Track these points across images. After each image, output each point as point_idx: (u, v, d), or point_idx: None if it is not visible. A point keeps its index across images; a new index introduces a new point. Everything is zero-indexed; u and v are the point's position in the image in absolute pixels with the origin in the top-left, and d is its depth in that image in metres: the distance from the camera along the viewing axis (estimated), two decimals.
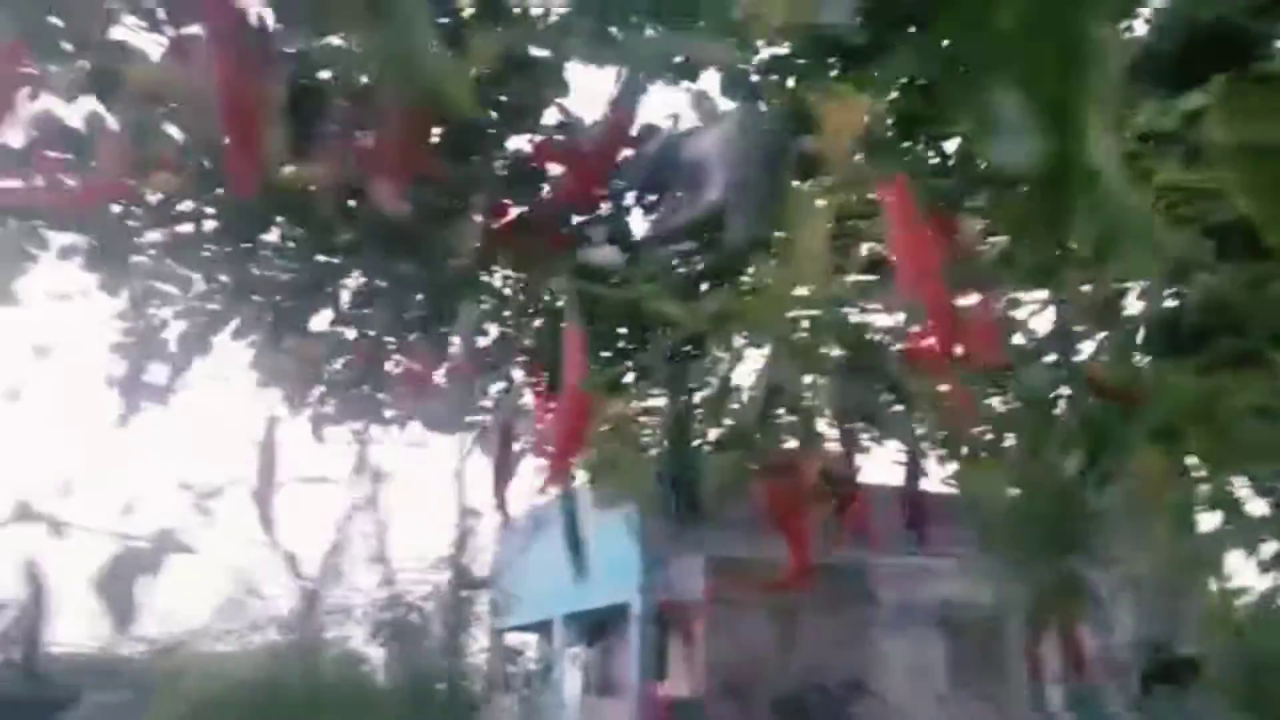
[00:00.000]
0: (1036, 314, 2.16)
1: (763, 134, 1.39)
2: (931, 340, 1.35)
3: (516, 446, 2.55)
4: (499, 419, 2.40)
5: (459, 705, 9.70)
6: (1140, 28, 1.55)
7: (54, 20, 2.04)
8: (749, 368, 2.03)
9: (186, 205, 2.65)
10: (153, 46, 2.11)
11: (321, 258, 3.06)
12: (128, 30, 2.15)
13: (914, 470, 2.13)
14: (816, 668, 11.11)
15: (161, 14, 2.03)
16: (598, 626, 13.66)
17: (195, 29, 1.80)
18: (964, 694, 11.88)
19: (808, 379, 1.99)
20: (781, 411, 2.05)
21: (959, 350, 1.36)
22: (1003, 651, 11.12)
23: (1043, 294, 1.99)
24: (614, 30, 1.73)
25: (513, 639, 15.01)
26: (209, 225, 2.73)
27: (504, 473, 2.50)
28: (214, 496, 2.89)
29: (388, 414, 4.07)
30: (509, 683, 13.64)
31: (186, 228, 2.74)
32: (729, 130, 1.41)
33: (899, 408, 1.99)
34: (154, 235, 2.78)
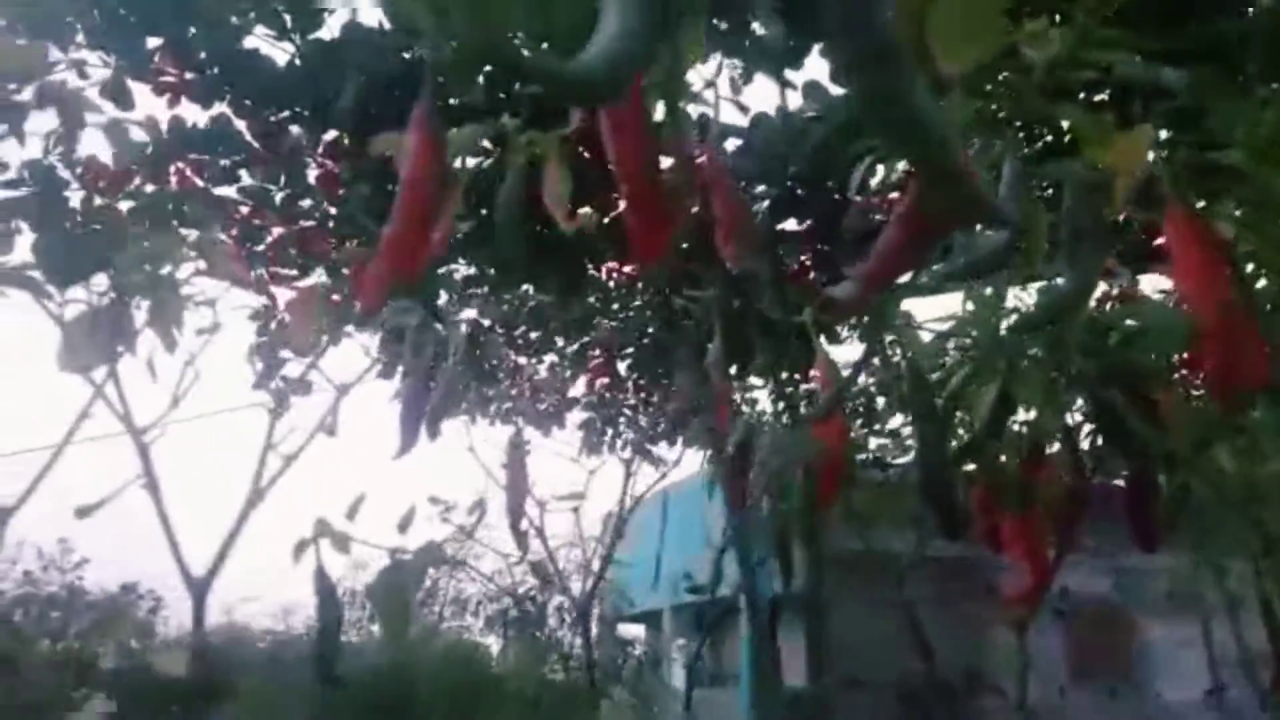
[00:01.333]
0: None
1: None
2: (1212, 362, 1.32)
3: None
4: (739, 442, 2.45)
5: (574, 695, 9.87)
6: None
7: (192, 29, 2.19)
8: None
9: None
10: (281, 54, 2.25)
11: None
12: (258, 39, 2.29)
13: (1145, 480, 2.03)
14: (936, 660, 10.90)
15: None
16: (706, 619, 13.67)
17: None
18: (1086, 686, 11.50)
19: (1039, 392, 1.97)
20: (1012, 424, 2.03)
21: (1234, 373, 1.33)
22: (1124, 643, 10.71)
23: None
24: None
25: (623, 630, 15.17)
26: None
27: (740, 494, 2.54)
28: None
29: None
30: (620, 673, 13.79)
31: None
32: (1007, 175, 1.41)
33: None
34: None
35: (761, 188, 2.68)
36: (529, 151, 1.54)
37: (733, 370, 2.99)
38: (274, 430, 10.30)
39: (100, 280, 1.82)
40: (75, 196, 2.72)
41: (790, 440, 2.25)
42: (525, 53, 0.86)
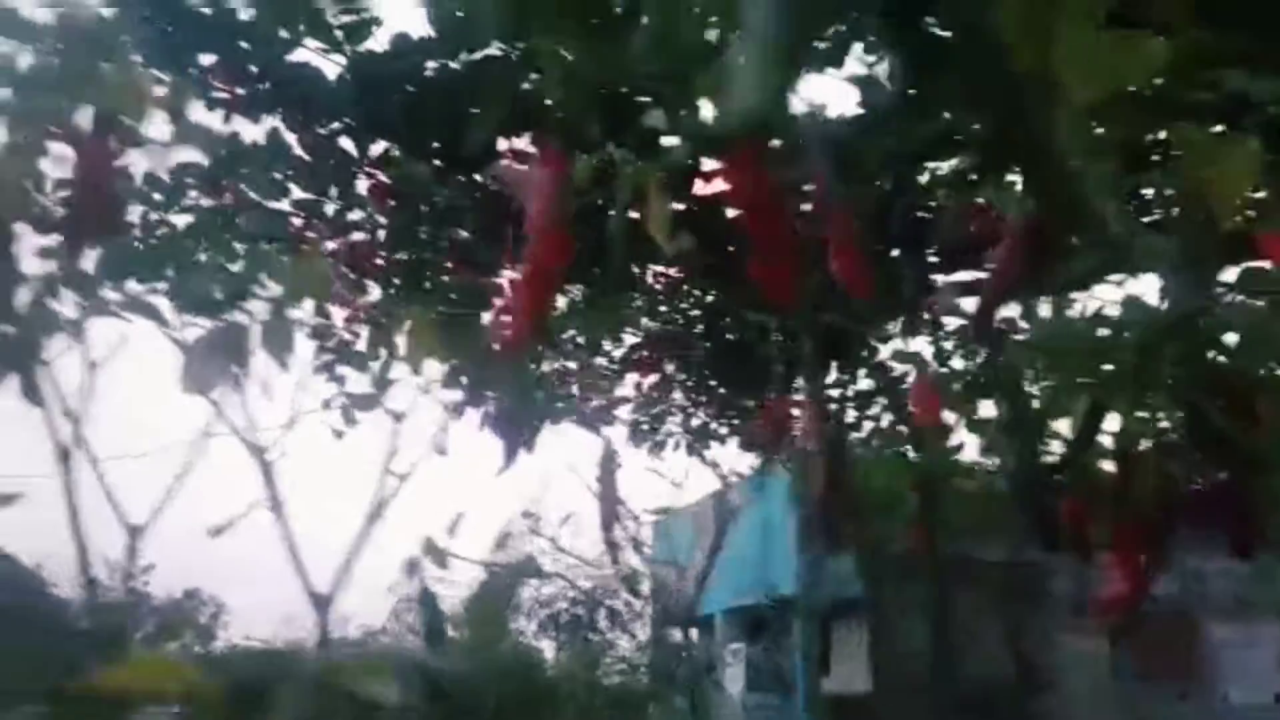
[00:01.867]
0: None
1: None
2: None
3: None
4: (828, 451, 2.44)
5: (627, 699, 9.87)
6: None
7: (243, 44, 2.20)
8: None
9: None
10: (331, 67, 2.26)
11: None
12: (308, 52, 2.30)
13: (1242, 488, 1.98)
14: (992, 664, 10.72)
15: None
16: (759, 622, 13.59)
17: None
18: (1154, 689, 11.23)
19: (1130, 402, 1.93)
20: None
21: None
22: (1192, 646, 10.45)
23: None
24: None
25: (676, 634, 15.13)
26: None
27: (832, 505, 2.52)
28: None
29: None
30: (674, 678, 13.76)
31: None
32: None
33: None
34: None
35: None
36: (634, 180, 1.56)
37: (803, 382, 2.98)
38: (388, 448, 10.48)
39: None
40: (134, 212, 2.77)
41: (895, 462, 2.23)
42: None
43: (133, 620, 12.31)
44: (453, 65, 2.45)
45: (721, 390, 4.68)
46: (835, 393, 3.86)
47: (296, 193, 2.71)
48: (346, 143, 2.56)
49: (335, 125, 2.47)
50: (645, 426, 5.94)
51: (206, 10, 2.10)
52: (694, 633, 16.06)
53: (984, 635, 10.64)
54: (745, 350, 3.64)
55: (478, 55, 2.51)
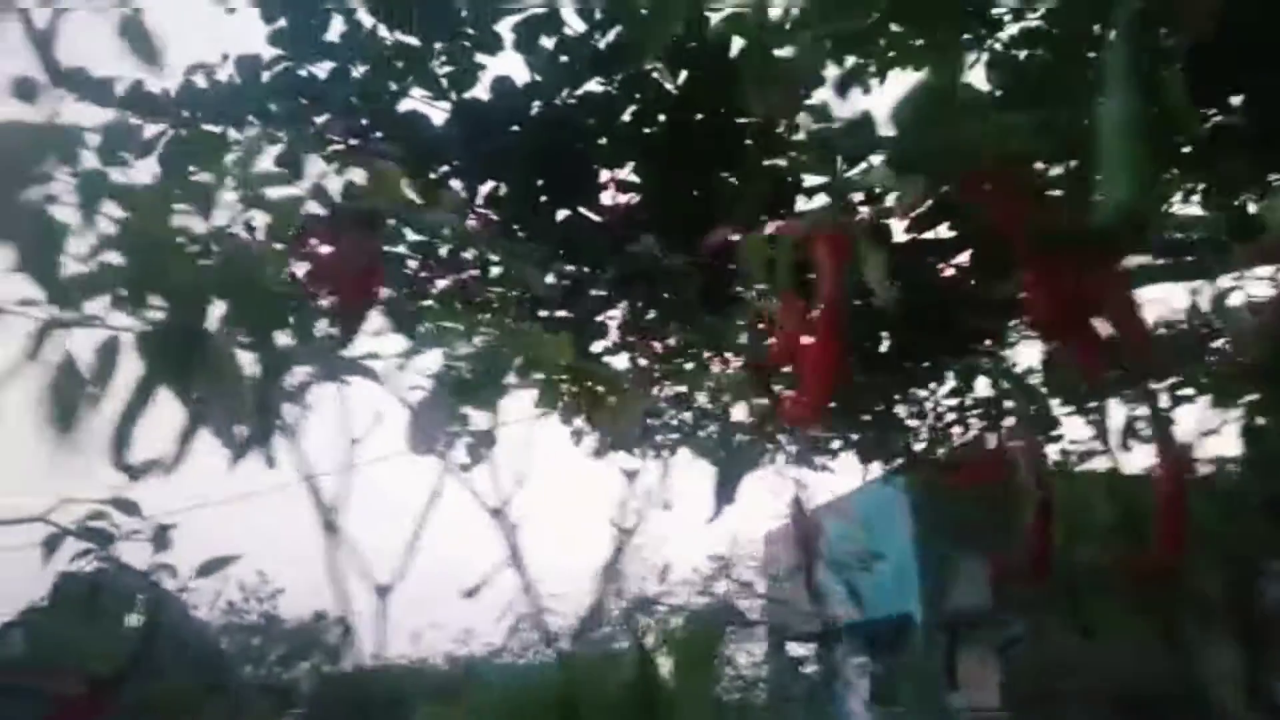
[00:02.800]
0: None
1: None
2: None
3: None
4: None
5: (746, 714, 9.78)
6: None
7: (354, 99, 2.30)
8: None
9: None
10: (439, 114, 2.33)
11: None
12: (414, 101, 2.38)
13: None
14: (1129, 674, 10.22)
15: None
16: (880, 636, 13.31)
17: None
18: None
19: None
20: None
21: None
22: None
23: None
24: None
25: (794, 649, 14.94)
26: None
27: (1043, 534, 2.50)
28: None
29: None
30: (791, 693, 13.58)
31: None
32: None
33: None
34: None
35: None
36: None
37: None
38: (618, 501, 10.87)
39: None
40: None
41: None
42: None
43: (266, 641, 12.85)
44: (556, 103, 2.51)
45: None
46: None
47: (410, 235, 2.80)
48: (455, 183, 2.64)
49: (444, 168, 2.55)
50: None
51: (322, 73, 2.20)
52: (813, 647, 15.83)
53: (1120, 643, 10.14)
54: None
55: (579, 92, 2.56)
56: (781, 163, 2.69)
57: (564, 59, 2.35)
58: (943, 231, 2.52)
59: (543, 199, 2.74)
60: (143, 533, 2.17)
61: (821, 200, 2.70)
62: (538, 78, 2.49)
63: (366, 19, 2.31)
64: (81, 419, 0.99)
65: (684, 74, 2.58)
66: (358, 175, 2.60)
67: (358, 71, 2.26)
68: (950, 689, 11.25)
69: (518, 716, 8.30)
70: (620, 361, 3.37)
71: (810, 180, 2.66)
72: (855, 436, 5.38)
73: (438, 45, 2.25)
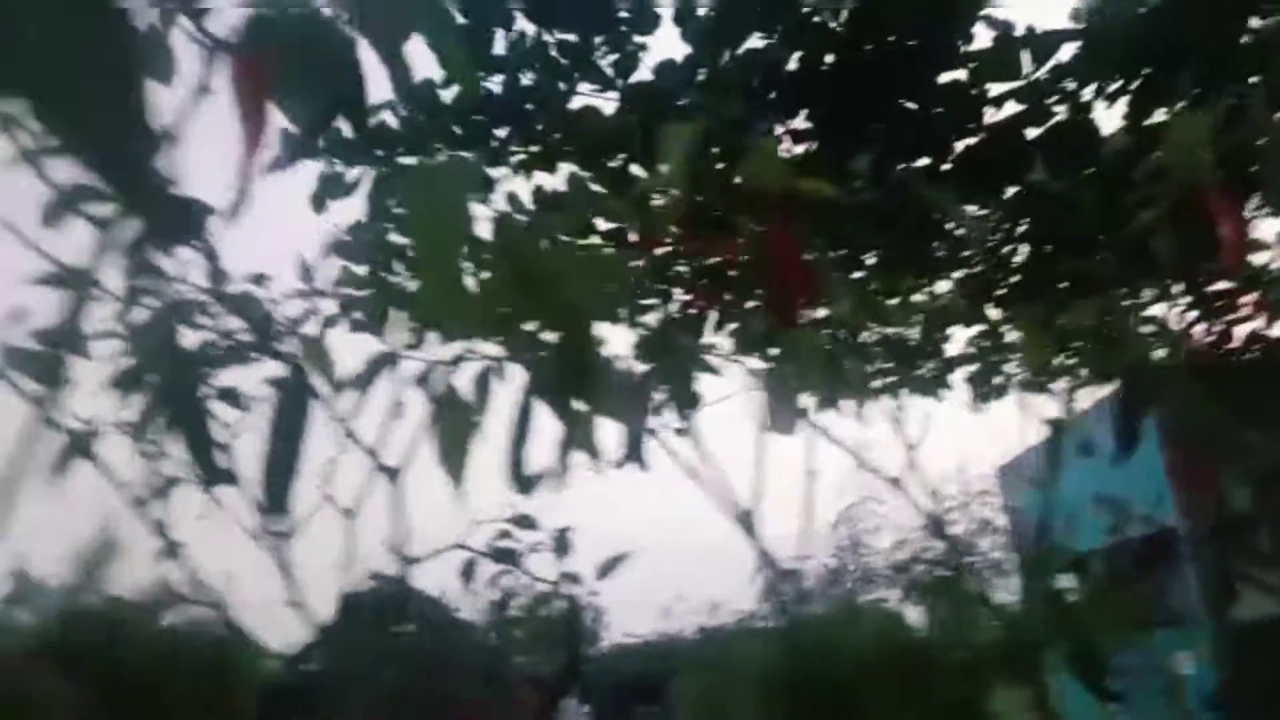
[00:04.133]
0: None
1: None
2: None
3: None
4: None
5: (1014, 651, 9.44)
6: None
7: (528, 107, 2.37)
8: None
9: None
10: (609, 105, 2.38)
11: None
12: (583, 96, 2.43)
13: None
14: None
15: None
16: (1142, 555, 12.48)
17: None
18: None
19: None
20: None
21: None
22: None
23: None
24: None
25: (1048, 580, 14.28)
26: None
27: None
28: None
29: None
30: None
31: None
32: None
33: None
34: None
35: None
36: None
37: None
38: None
39: None
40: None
41: None
42: None
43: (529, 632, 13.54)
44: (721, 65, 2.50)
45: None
46: None
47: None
48: (637, 170, 2.68)
49: (623, 156, 2.59)
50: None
51: (495, 87, 2.29)
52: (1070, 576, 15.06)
53: None
54: None
55: (740, 51, 2.54)
56: (962, 77, 2.57)
57: (722, 21, 2.33)
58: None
59: (719, 166, 2.74)
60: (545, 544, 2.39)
61: (1012, 108, 2.56)
62: (693, 48, 2.49)
63: (527, 25, 2.37)
64: (470, 446, 1.07)
65: (844, 12, 2.51)
66: (543, 180, 2.70)
67: (527, 79, 2.33)
68: (1227, 602, 10.43)
69: (773, 680, 8.39)
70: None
71: (996, 89, 2.52)
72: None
73: (598, 38, 2.28)
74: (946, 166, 2.56)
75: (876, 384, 4.59)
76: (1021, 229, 3.45)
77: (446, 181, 0.89)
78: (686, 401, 1.35)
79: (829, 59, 2.56)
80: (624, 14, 2.31)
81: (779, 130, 2.75)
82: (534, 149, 2.54)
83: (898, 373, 4.27)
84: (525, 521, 2.32)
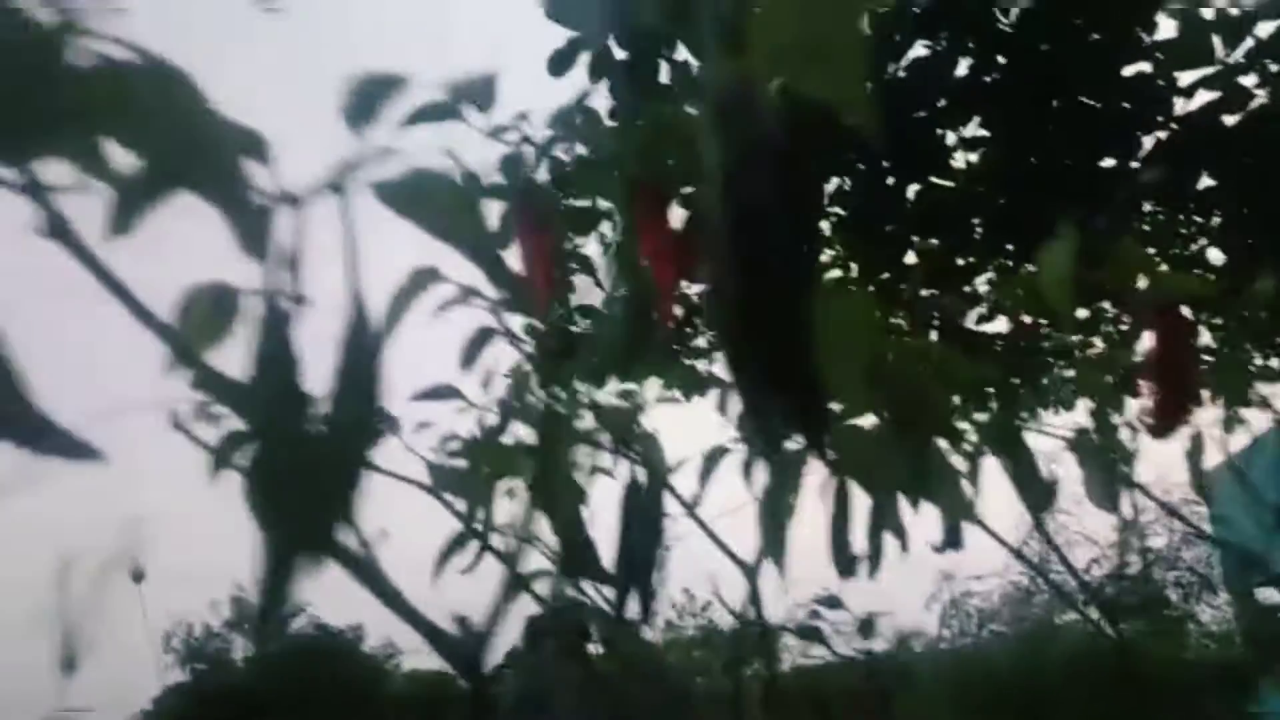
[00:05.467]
0: None
1: None
2: None
3: None
4: None
5: (1228, 674, 8.73)
6: None
7: None
8: None
9: None
10: None
11: None
12: None
13: None
14: None
15: None
16: None
17: None
18: None
19: None
20: None
21: None
22: None
23: None
24: None
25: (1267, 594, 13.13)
26: None
27: None
28: None
29: None
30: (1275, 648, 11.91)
31: None
32: None
33: None
34: None
35: None
36: None
37: None
38: None
39: None
40: None
41: None
42: None
43: (707, 652, 13.57)
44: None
45: None
46: None
47: None
48: None
49: None
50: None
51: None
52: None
53: None
54: None
55: (905, 61, 2.50)
56: (1146, 68, 2.43)
57: (885, 33, 2.30)
58: None
59: (890, 181, 2.69)
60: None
61: (1204, 97, 2.40)
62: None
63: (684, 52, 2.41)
64: (790, 530, 1.12)
65: (1013, 12, 2.43)
66: None
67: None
68: None
69: (995, 702, 8.06)
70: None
71: (1187, 77, 2.37)
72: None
73: None
74: (1135, 164, 2.42)
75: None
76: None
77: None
78: (1041, 502, 1.31)
79: (1000, 60, 2.48)
80: None
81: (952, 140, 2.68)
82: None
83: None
84: (832, 602, 2.45)
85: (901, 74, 2.41)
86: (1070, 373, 2.32)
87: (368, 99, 0.63)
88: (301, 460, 0.53)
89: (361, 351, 0.57)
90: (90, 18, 0.50)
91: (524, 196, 1.21)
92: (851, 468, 1.02)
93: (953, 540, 1.17)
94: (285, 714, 13.69)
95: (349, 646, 14.89)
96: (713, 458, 1.41)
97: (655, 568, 1.16)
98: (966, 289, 2.92)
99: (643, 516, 1.16)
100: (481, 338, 1.42)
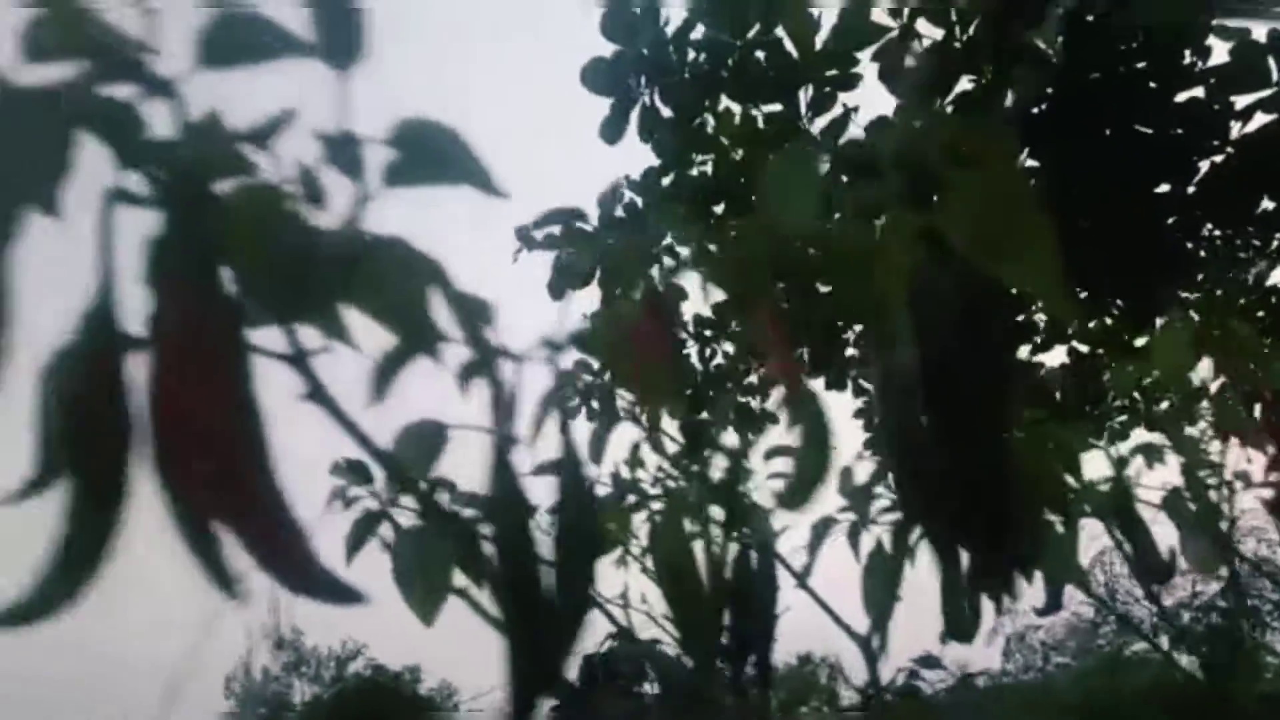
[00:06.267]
0: None
1: None
2: None
3: None
4: None
5: None
6: None
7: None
8: None
9: None
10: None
11: None
12: None
13: None
14: None
15: None
16: None
17: None
18: None
19: None
20: None
21: None
22: None
23: None
24: None
25: None
26: None
27: None
28: None
29: None
30: None
31: None
32: None
33: None
34: None
35: None
36: None
37: None
38: None
39: None
40: None
41: None
42: None
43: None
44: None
45: None
46: None
47: None
48: None
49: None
50: None
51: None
52: None
53: None
54: None
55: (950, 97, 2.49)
56: (1199, 93, 2.40)
57: (929, 69, 2.30)
58: None
59: None
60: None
61: (1263, 119, 2.36)
62: (901, 100, 2.46)
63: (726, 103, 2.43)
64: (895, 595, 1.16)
65: (1059, 39, 2.42)
66: None
67: (737, 155, 2.38)
68: None
69: None
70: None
71: (1243, 100, 2.34)
72: None
73: (803, 104, 2.30)
74: (1191, 189, 2.39)
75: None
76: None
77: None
78: (1160, 577, 1.31)
79: (1048, 91, 2.46)
80: (829, 74, 2.32)
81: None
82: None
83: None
84: (931, 662, 2.47)
85: (948, 108, 2.40)
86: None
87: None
88: (536, 588, 0.61)
89: (578, 486, 0.65)
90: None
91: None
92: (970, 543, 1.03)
93: (1054, 604, 1.16)
94: None
95: (406, 689, 14.93)
96: (821, 528, 1.45)
97: (770, 638, 1.18)
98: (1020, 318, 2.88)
99: (756, 589, 1.19)
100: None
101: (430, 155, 0.57)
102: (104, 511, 0.50)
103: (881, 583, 1.11)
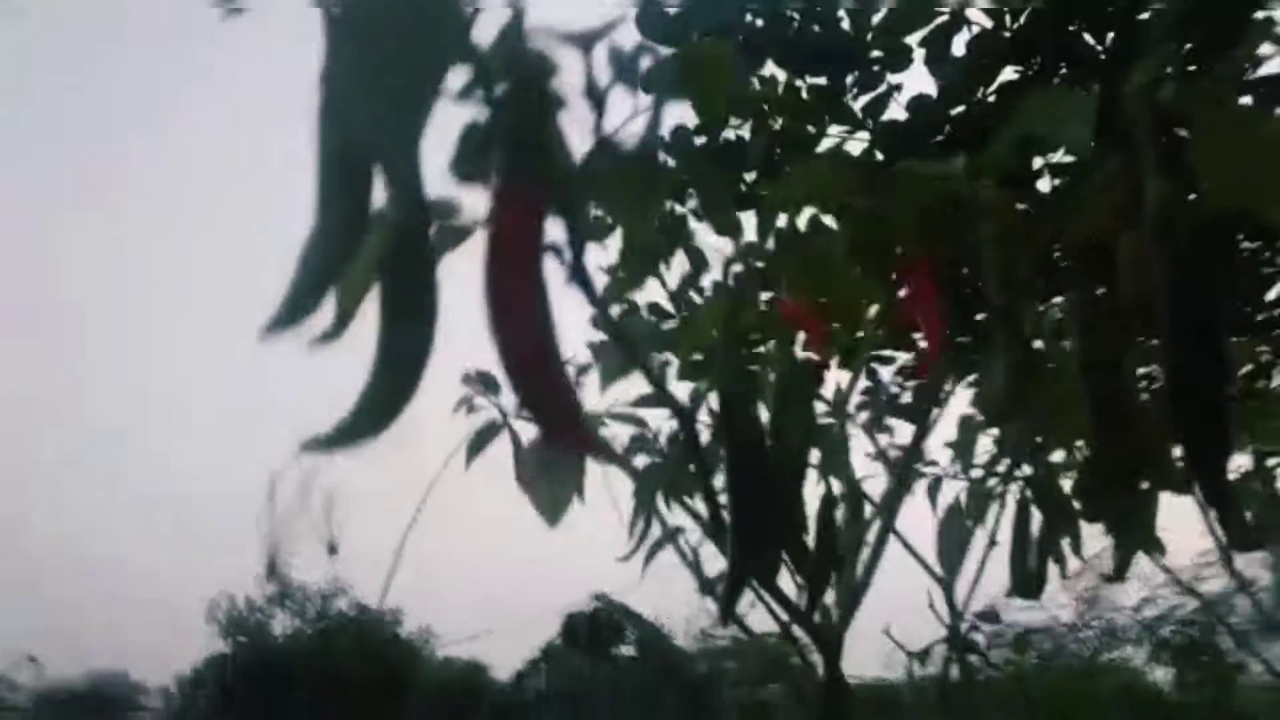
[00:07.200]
0: None
1: None
2: None
3: None
4: None
5: None
6: None
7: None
8: None
9: None
10: (856, 145, 2.35)
11: None
12: (830, 138, 2.42)
13: None
14: None
15: None
16: None
17: None
18: None
19: None
20: None
21: None
22: None
23: None
24: None
25: None
26: None
27: None
28: None
29: None
30: None
31: None
32: None
33: None
34: None
35: None
36: None
37: None
38: None
39: None
40: None
41: None
42: None
43: (741, 664, 13.50)
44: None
45: None
46: None
47: None
48: None
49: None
50: None
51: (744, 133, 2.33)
52: None
53: None
54: None
55: (995, 86, 2.46)
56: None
57: (977, 55, 2.27)
58: None
59: None
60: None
61: None
62: (946, 83, 2.42)
63: (773, 69, 2.39)
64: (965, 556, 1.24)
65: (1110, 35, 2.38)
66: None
67: (776, 124, 2.35)
68: None
69: None
70: None
71: None
72: None
73: (849, 79, 2.27)
74: None
75: None
76: None
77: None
78: (1247, 542, 1.35)
79: (1095, 87, 2.43)
80: (877, 53, 2.29)
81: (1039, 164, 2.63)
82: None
83: None
84: (990, 616, 2.56)
85: (992, 98, 2.37)
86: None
87: None
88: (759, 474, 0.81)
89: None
90: None
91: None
92: (1047, 505, 1.10)
93: (1122, 571, 1.19)
94: (319, 690, 13.90)
95: (388, 629, 15.08)
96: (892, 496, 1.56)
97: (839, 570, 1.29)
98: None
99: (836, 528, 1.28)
100: None
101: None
102: (408, 359, 0.58)
103: (954, 539, 1.19)
